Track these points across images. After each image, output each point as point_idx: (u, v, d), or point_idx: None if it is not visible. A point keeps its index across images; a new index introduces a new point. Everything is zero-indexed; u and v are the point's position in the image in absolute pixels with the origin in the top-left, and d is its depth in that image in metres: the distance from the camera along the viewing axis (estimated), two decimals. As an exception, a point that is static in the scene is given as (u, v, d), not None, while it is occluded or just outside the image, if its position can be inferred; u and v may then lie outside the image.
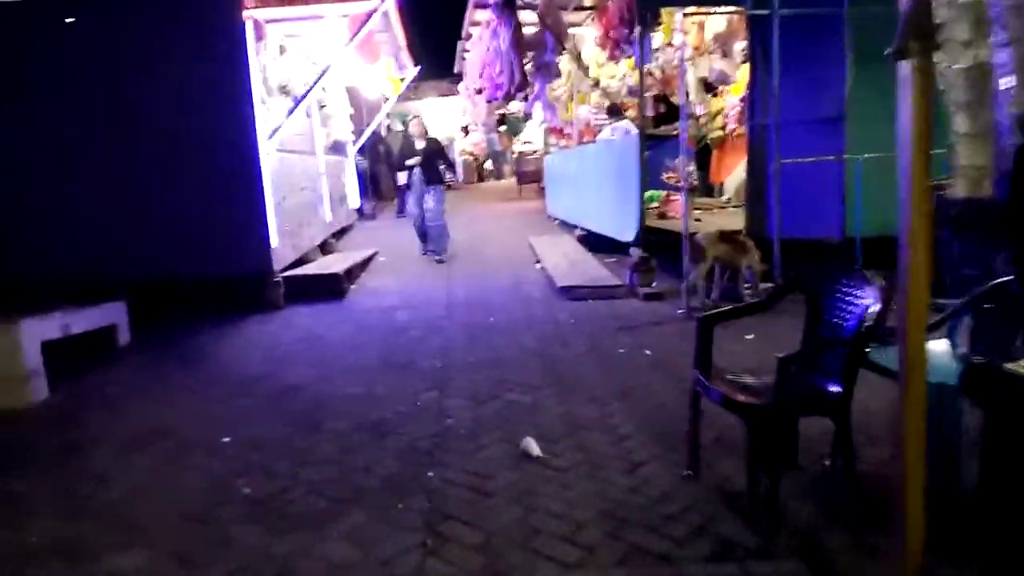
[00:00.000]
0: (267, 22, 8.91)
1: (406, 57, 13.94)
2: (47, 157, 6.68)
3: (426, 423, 4.03)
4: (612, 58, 9.64)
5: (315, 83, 8.58)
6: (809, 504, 2.95)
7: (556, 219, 12.86)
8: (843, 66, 6.19)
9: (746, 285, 6.65)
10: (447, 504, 3.09)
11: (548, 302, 7.08)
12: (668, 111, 12.10)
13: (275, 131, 7.44)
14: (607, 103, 10.98)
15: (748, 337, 5.32)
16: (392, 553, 2.74)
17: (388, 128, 18.09)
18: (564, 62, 11.69)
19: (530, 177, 18.30)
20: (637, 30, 7.33)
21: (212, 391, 4.87)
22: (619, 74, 11.63)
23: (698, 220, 8.33)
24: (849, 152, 6.30)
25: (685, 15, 6.51)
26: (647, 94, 9.57)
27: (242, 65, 6.75)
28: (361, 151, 15.18)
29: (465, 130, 24.37)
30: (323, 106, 11.79)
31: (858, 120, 6.28)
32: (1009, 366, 2.14)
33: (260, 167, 6.88)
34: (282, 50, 9.87)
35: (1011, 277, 2.79)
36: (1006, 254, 5.27)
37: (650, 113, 10.81)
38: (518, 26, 9.09)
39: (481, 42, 10.18)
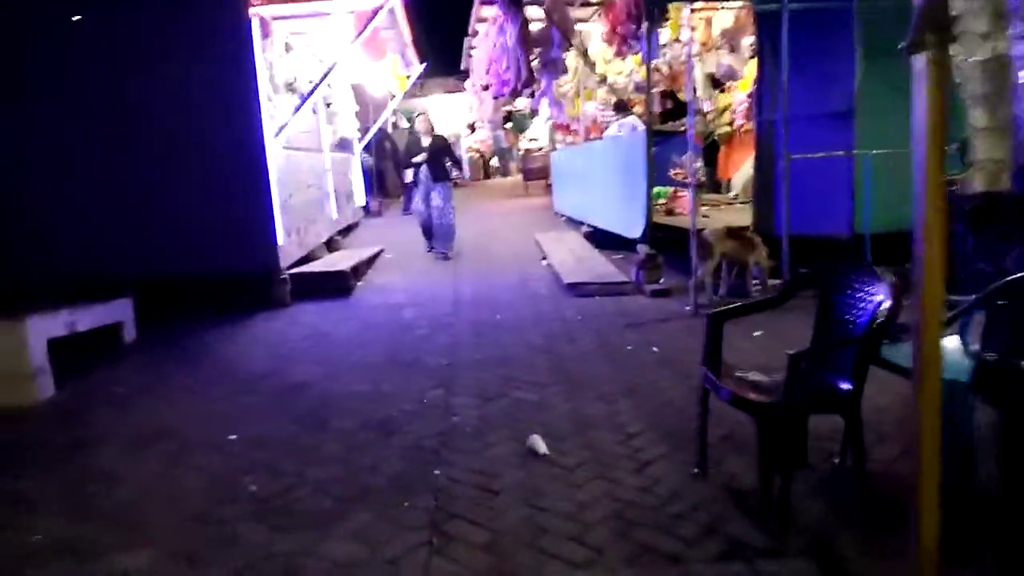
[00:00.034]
0: (273, 19, 8.89)
1: (412, 54, 13.91)
2: (54, 156, 6.67)
3: (432, 421, 4.01)
4: (619, 54, 9.59)
5: (321, 80, 8.56)
6: (819, 503, 2.92)
7: (562, 216, 12.82)
8: (852, 60, 6.13)
9: (754, 281, 6.62)
10: (453, 503, 3.07)
11: (555, 299, 7.05)
12: (675, 107, 12.04)
13: (281, 128, 7.43)
14: (614, 99, 10.93)
15: (756, 334, 5.28)
16: (398, 552, 2.72)
17: (394, 125, 18.06)
18: (571, 58, 11.65)
19: (536, 174, 18.25)
20: (644, 26, 7.28)
21: (218, 389, 4.86)
22: (626, 70, 11.59)
23: (705, 216, 8.29)
24: (858, 147, 6.24)
25: (693, 10, 6.45)
26: (654, 90, 9.51)
27: (248, 62, 6.74)
28: (367, 148, 15.16)
29: (471, 127, 24.33)
30: (329, 103, 11.77)
31: (868, 115, 6.22)
32: (1025, 364, 2.10)
33: (266, 164, 6.87)
34: (288, 47, 9.85)
35: (1025, 273, 2.74)
36: (1021, 249, 5.22)
37: (657, 109, 10.74)
38: (525, 22, 9.05)
39: (487, 38, 10.14)
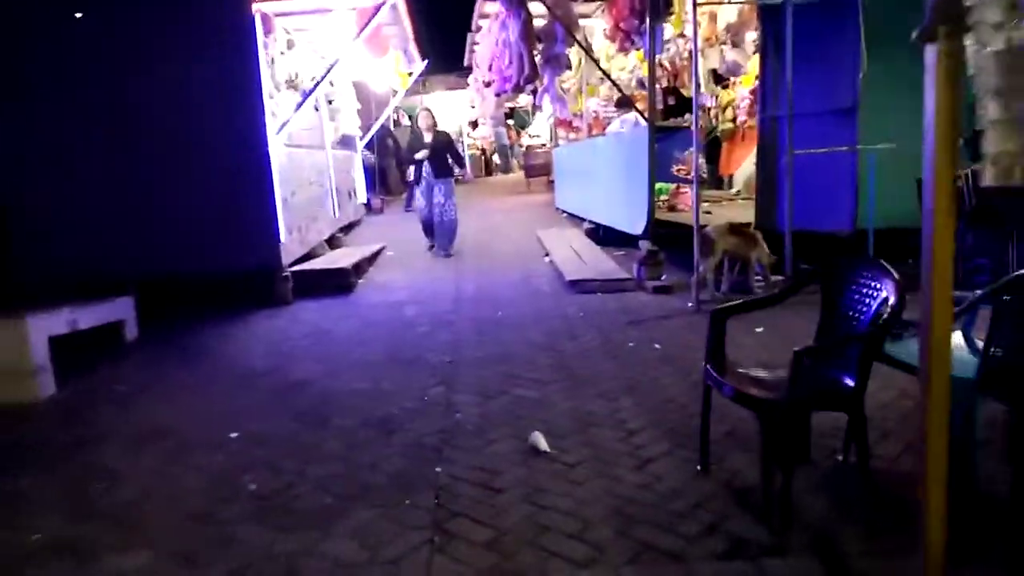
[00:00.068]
0: (275, 15, 8.88)
1: (414, 51, 13.88)
2: (55, 155, 6.66)
3: (434, 419, 4.00)
4: (622, 50, 9.56)
5: (323, 77, 8.55)
6: (822, 500, 2.90)
7: (564, 212, 12.80)
8: (857, 55, 6.09)
9: (756, 278, 6.59)
10: (455, 501, 3.05)
11: (557, 296, 7.03)
12: (677, 103, 12.01)
13: (283, 126, 7.41)
14: (616, 95, 10.89)
15: (758, 330, 5.27)
16: (399, 551, 2.71)
17: (396, 123, 18.05)
18: (573, 54, 11.61)
19: (538, 171, 18.23)
20: (647, 21, 7.25)
21: (219, 386, 4.85)
22: (628, 66, 11.55)
23: (708, 213, 8.25)
24: (862, 143, 6.20)
25: (697, 5, 6.41)
26: (656, 86, 9.46)
27: (251, 59, 6.73)
28: (369, 146, 15.15)
29: (474, 124, 24.31)
30: (331, 100, 11.76)
31: (872, 110, 6.18)
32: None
33: (269, 162, 6.86)
34: (290, 44, 9.84)
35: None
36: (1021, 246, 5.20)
37: (659, 105, 10.70)
38: (528, 17, 9.01)
39: (490, 34, 10.11)
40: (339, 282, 7.65)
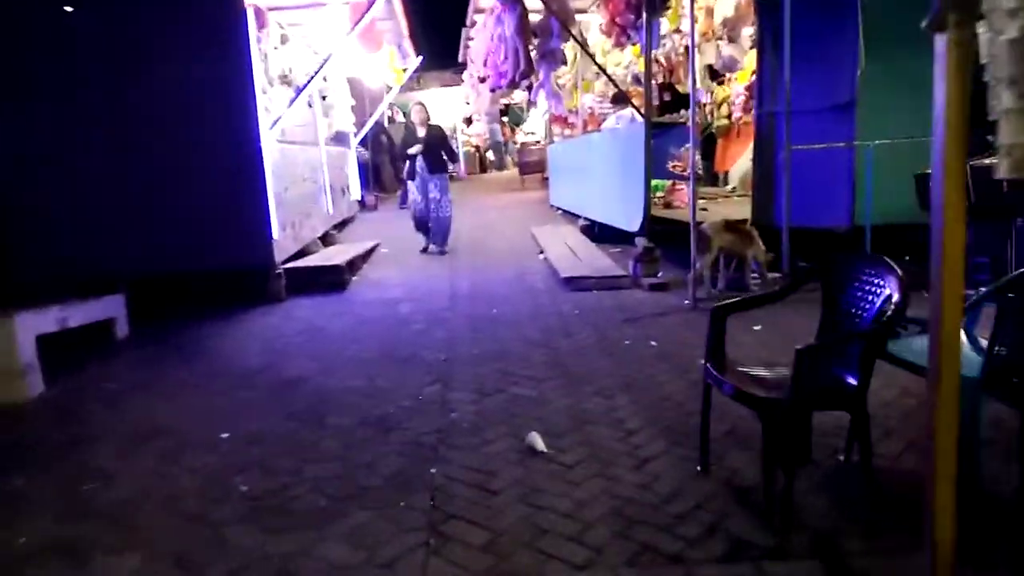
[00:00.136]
0: (269, 10, 8.80)
1: (409, 47, 13.81)
2: (48, 153, 6.55)
3: (429, 417, 3.94)
4: (618, 45, 9.51)
5: (317, 72, 8.46)
6: (824, 501, 2.86)
7: (559, 209, 12.76)
8: (855, 50, 6.06)
9: (753, 275, 6.56)
10: (451, 502, 3.00)
11: (552, 293, 6.98)
12: (673, 99, 11.97)
13: (276, 121, 7.33)
14: (612, 91, 10.84)
15: (756, 328, 5.23)
16: (395, 553, 2.65)
17: (390, 119, 17.97)
18: (568, 49, 11.55)
19: (533, 167, 18.19)
20: (644, 16, 7.19)
21: (212, 385, 4.78)
22: (624, 61, 11.50)
23: (704, 210, 8.22)
24: (860, 139, 6.17)
25: (693, -1, 6.36)
26: (652, 82, 9.42)
27: (243, 54, 6.64)
28: (363, 142, 15.07)
29: (468, 120, 24.24)
30: (325, 96, 11.67)
31: (869, 106, 6.15)
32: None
33: (261, 158, 6.78)
34: (283, 39, 9.75)
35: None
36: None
37: (655, 101, 10.65)
38: (524, 12, 8.95)
39: (485, 29, 10.04)
40: (333, 279, 7.59)
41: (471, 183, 20.40)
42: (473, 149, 24.07)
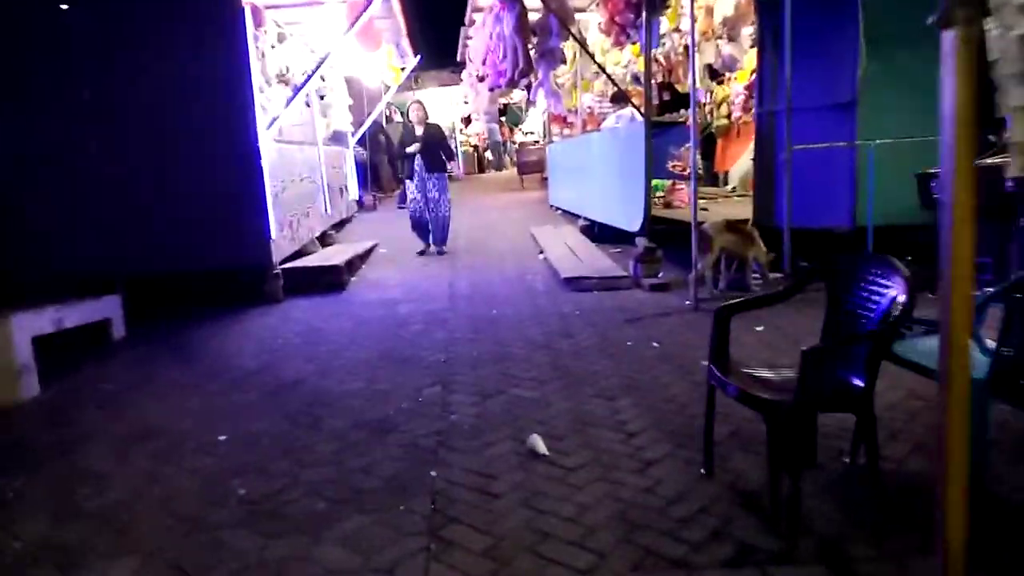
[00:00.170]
0: (266, 8, 8.75)
1: (407, 45, 13.76)
2: (41, 149, 6.52)
3: (429, 420, 3.90)
4: (617, 44, 9.46)
5: (315, 71, 8.42)
6: (830, 504, 2.81)
7: (559, 209, 12.72)
8: (856, 49, 6.02)
9: (754, 275, 6.52)
10: (451, 506, 2.95)
11: (553, 294, 6.94)
12: (672, 99, 11.94)
13: (273, 121, 7.28)
14: (611, 90, 10.80)
15: (758, 328, 5.19)
16: (394, 558, 2.61)
17: (388, 119, 17.93)
18: (567, 48, 11.51)
19: (531, 167, 18.15)
20: (643, 15, 7.16)
21: (209, 386, 4.74)
22: (623, 60, 11.46)
23: (704, 210, 8.19)
24: (861, 138, 6.14)
25: (694, -2, 6.32)
26: (652, 81, 9.38)
27: (240, 53, 6.60)
28: (361, 141, 15.03)
29: (466, 120, 24.21)
30: (323, 96, 11.63)
31: (871, 105, 6.12)
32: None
33: (259, 157, 6.73)
34: (281, 38, 9.71)
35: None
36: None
37: (654, 101, 10.61)
38: (523, 11, 8.91)
39: (484, 28, 10.00)
40: (331, 280, 7.55)
41: (469, 183, 20.37)
42: (471, 149, 24.03)
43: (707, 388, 3.04)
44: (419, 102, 9.59)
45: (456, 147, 21.03)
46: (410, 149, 9.12)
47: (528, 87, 12.08)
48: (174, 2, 6.52)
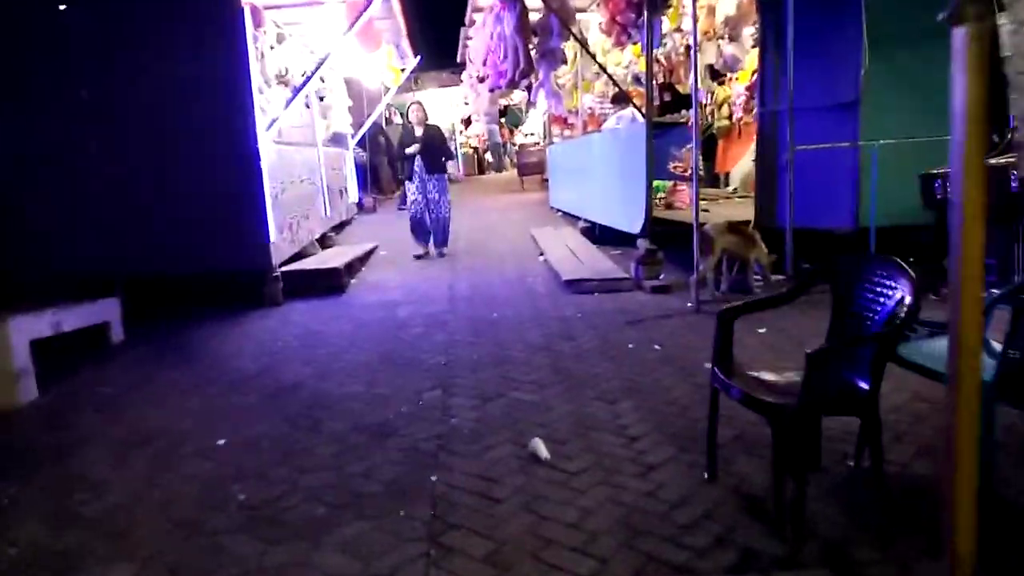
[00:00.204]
0: (265, 8, 8.73)
1: (407, 46, 13.74)
2: (39, 150, 6.50)
3: (429, 423, 3.87)
4: (618, 44, 9.43)
5: (314, 72, 8.39)
6: (834, 508, 2.78)
7: (559, 211, 12.69)
8: (859, 48, 5.99)
9: (756, 277, 6.48)
10: (452, 511, 2.92)
11: (553, 296, 6.91)
12: (673, 99, 11.90)
13: (273, 122, 7.25)
14: (612, 91, 10.77)
15: (761, 330, 5.15)
16: (394, 564, 2.58)
17: (388, 120, 17.91)
18: (568, 49, 11.47)
19: (531, 169, 18.11)
20: (645, 15, 7.13)
21: (207, 390, 4.71)
22: (624, 61, 11.43)
23: (705, 211, 8.14)
24: (864, 138, 6.11)
25: (696, -3, 6.28)
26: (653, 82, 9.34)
27: (240, 54, 6.57)
28: (361, 143, 15.00)
29: (466, 122, 24.18)
30: (322, 97, 11.61)
31: (874, 105, 6.08)
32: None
33: (258, 159, 6.70)
34: (280, 39, 9.69)
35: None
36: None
37: (656, 101, 10.58)
38: (524, 11, 8.88)
39: (485, 28, 9.97)
40: (331, 282, 7.51)
41: (469, 184, 20.34)
42: (471, 150, 24.00)
43: (710, 391, 3.01)
44: (419, 103, 9.55)
45: (457, 148, 21.00)
46: (410, 150, 9.08)
47: (529, 88, 12.05)
48: (174, 2, 6.49)
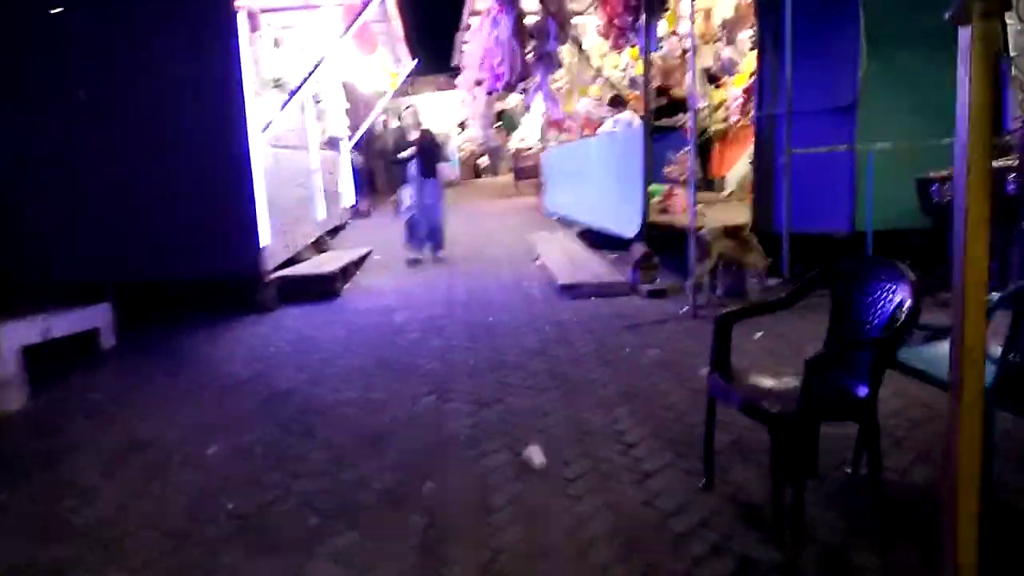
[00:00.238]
0: (261, 12, 8.69)
1: (403, 50, 13.72)
2: (32, 154, 6.47)
3: (424, 430, 3.83)
4: (616, 47, 9.42)
5: (310, 75, 8.34)
6: (833, 515, 2.75)
7: (555, 215, 12.66)
8: (856, 52, 5.97)
9: (753, 281, 6.45)
10: (447, 520, 2.88)
11: (549, 301, 6.87)
12: (668, 103, 11.88)
13: (268, 126, 7.21)
14: (609, 94, 10.75)
15: (758, 335, 5.11)
16: (388, 575, 2.54)
17: (384, 124, 17.86)
18: (564, 52, 11.45)
19: (527, 173, 18.10)
20: (642, 18, 7.12)
21: (199, 397, 4.66)
22: (621, 64, 11.42)
23: (701, 215, 8.12)
24: (861, 142, 6.09)
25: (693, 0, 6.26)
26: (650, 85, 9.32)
27: (235, 57, 6.54)
28: (356, 147, 14.96)
29: (462, 125, 24.13)
30: (318, 101, 11.56)
31: (871, 108, 6.07)
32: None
33: (251, 163, 6.66)
34: (276, 42, 9.65)
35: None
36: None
37: (652, 105, 10.55)
38: (520, 14, 8.86)
39: (481, 32, 9.95)
40: (325, 287, 7.47)
41: (465, 189, 20.32)
42: (467, 154, 23.95)
43: (707, 397, 2.97)
44: (413, 107, 9.55)
45: (455, 152, 20.96)
46: (404, 154, 9.06)
47: (524, 92, 12.02)
48: (171, 6, 6.46)
